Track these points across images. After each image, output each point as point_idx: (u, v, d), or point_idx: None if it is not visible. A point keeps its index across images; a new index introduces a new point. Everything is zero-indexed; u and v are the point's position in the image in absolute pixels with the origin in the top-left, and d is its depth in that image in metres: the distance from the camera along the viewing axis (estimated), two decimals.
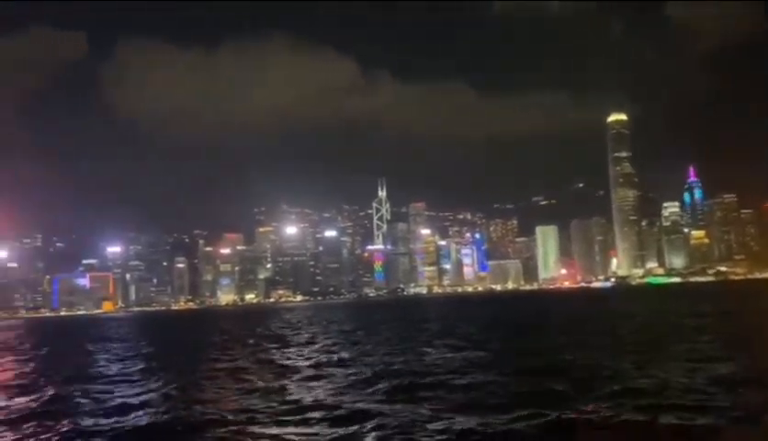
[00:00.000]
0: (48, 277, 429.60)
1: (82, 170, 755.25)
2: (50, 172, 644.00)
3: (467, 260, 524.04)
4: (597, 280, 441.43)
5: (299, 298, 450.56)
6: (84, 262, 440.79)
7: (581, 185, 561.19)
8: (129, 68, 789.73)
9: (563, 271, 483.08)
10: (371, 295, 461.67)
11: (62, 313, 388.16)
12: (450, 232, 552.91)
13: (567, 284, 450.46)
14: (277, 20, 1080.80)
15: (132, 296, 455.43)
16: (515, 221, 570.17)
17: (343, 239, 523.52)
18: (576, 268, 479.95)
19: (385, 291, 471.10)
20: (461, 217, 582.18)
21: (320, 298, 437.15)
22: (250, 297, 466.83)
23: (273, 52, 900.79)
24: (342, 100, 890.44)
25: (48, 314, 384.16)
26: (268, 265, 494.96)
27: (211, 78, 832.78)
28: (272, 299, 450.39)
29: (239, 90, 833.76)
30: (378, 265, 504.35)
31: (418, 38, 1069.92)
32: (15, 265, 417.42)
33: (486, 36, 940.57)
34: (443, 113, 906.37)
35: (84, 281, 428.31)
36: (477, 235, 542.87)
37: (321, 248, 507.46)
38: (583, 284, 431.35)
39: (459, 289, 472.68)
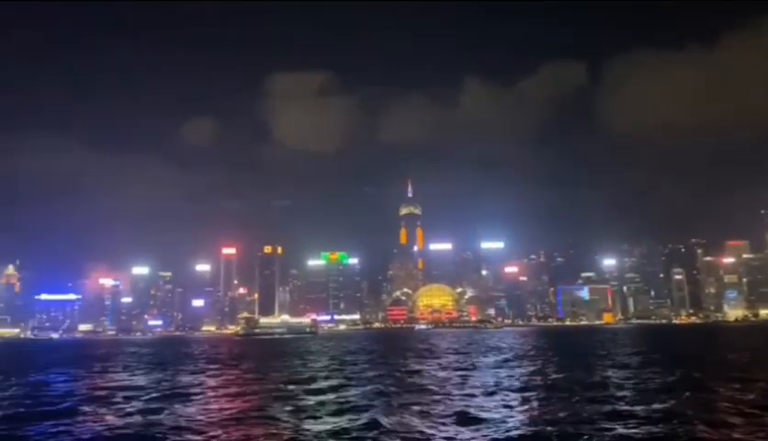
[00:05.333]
0: (552, 288, 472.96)
1: (580, 191, 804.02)
2: (556, 195, 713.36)
3: None
4: None
5: None
6: (583, 275, 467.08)
7: None
8: (622, 83, 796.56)
9: None
10: None
11: (567, 322, 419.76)
12: None
13: None
14: None
15: (631, 308, 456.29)
16: None
17: None
18: None
19: None
20: None
21: None
22: (765, 312, 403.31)
23: None
24: None
25: (555, 323, 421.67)
26: None
27: (709, 75, 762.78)
28: None
29: (741, 82, 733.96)
30: None
31: None
32: (525, 278, 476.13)
33: None
34: None
35: (584, 293, 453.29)
36: None
37: None
38: None
39: None
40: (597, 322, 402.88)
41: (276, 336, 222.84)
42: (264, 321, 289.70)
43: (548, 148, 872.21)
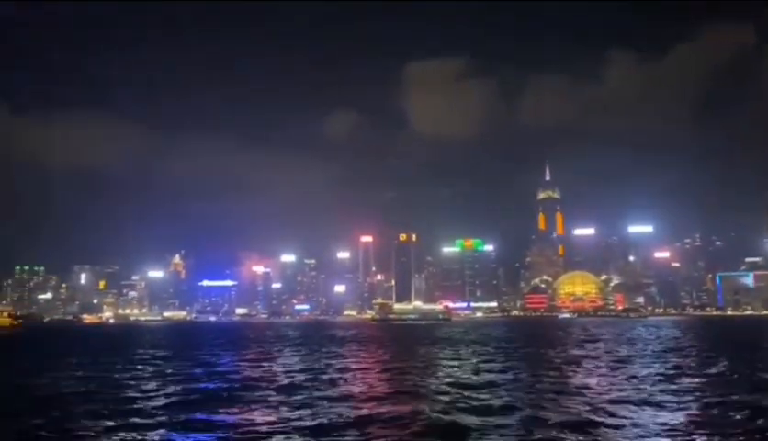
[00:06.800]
0: (710, 275, 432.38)
1: (743, 167, 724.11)
2: (714, 173, 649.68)
3: None
4: None
5: None
6: (747, 260, 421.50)
7: None
8: None
9: None
10: None
11: (729, 312, 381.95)
12: None
13: None
14: None
15: None
16: None
17: None
18: None
19: None
20: None
21: None
22: None
23: None
24: None
25: (714, 313, 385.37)
26: None
27: None
28: None
29: None
30: None
31: None
32: (678, 264, 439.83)
33: None
34: None
35: (749, 280, 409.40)
36: None
37: None
38: None
39: None
40: (765, 312, 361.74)
41: (410, 322, 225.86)
42: (397, 306, 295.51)
43: (705, 120, 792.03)
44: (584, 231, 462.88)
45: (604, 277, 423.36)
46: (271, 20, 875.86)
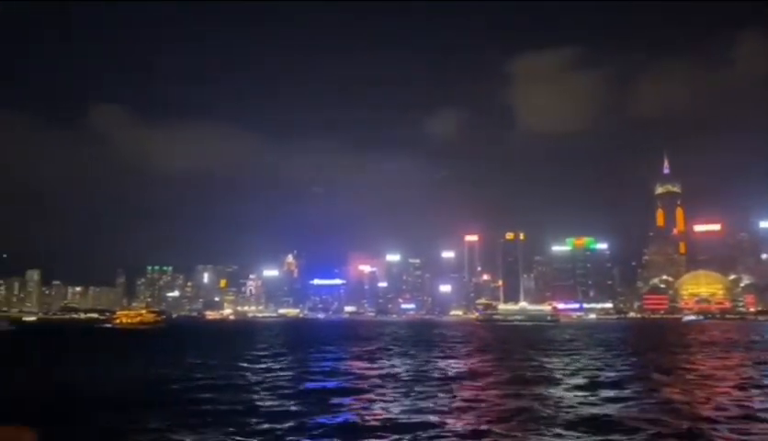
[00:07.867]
0: None
1: None
2: None
3: None
4: None
5: None
6: None
7: None
8: None
9: None
10: None
11: None
12: None
13: None
14: None
15: None
16: None
17: None
18: None
19: None
20: None
21: None
22: None
23: None
24: None
25: None
26: None
27: None
28: None
29: None
30: None
31: None
32: None
33: None
34: None
35: None
36: None
37: None
38: None
39: None
40: None
41: (515, 323, 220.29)
42: (502, 307, 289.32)
43: None
44: (709, 228, 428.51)
45: (732, 276, 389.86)
46: (381, 20, 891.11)
